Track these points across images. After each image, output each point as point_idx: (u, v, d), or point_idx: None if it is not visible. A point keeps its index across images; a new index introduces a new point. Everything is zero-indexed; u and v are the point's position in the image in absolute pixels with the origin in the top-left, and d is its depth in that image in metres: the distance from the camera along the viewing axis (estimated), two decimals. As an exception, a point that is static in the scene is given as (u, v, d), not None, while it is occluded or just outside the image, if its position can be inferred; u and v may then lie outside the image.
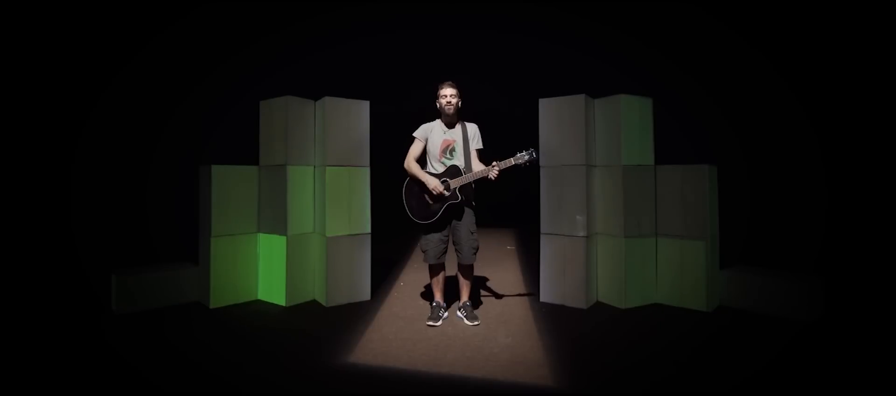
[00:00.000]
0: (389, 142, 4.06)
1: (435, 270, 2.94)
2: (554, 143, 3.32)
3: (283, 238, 3.26)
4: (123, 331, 2.74)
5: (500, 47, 5.66)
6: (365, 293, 3.40)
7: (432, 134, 2.88)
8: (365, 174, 3.41)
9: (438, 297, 2.98)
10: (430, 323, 2.83)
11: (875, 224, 3.21)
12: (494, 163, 2.67)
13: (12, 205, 3.34)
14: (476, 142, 2.91)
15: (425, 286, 3.66)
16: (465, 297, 2.98)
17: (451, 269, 3.01)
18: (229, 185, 3.29)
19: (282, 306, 3.24)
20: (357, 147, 3.38)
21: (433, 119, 2.93)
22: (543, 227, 3.36)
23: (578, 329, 2.78)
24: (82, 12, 3.57)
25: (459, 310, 2.97)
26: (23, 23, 3.37)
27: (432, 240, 2.83)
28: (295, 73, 4.89)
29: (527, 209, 5.21)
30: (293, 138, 3.28)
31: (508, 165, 2.68)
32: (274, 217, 3.34)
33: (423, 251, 2.88)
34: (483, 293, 3.58)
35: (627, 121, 3.18)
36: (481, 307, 3.23)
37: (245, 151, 3.55)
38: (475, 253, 2.85)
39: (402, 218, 2.89)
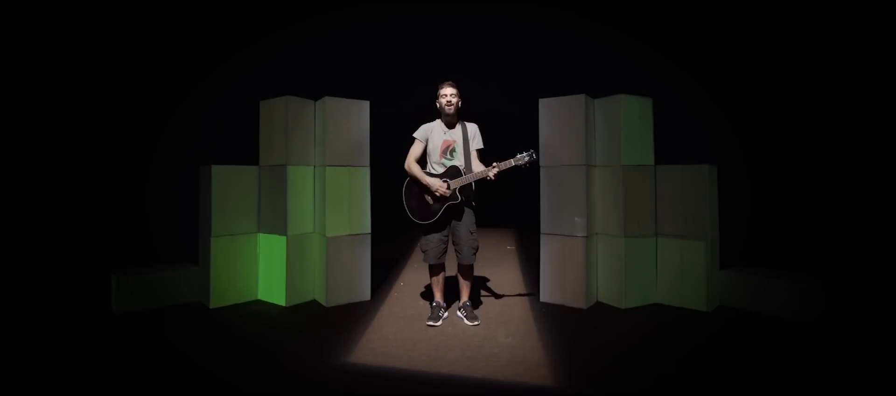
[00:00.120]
0: (389, 142, 4.07)
1: (435, 270, 2.94)
2: (554, 143, 3.32)
3: (283, 238, 3.26)
4: (123, 331, 2.74)
5: (500, 47, 5.65)
6: (365, 293, 3.40)
7: (433, 135, 2.88)
8: (365, 174, 3.41)
9: (438, 297, 2.98)
10: (430, 323, 2.83)
11: (875, 224, 3.21)
12: (494, 164, 2.67)
13: (13, 205, 3.34)
14: (476, 142, 2.91)
15: (425, 287, 3.66)
16: (465, 297, 2.98)
17: (451, 269, 3.01)
18: (229, 185, 3.29)
19: (282, 306, 3.25)
20: (357, 147, 3.38)
21: (433, 119, 2.93)
22: (543, 227, 3.36)
23: (578, 329, 2.78)
24: (82, 12, 3.58)
25: (459, 310, 2.97)
26: (23, 23, 3.37)
27: (432, 240, 2.84)
28: (295, 73, 4.89)
29: (527, 209, 5.20)
30: (293, 138, 3.28)
31: (508, 166, 2.68)
32: (274, 217, 3.34)
33: (423, 252, 2.88)
34: (483, 293, 3.58)
35: (627, 121, 3.18)
36: (481, 307, 3.23)
37: (245, 151, 3.55)
38: (475, 253, 2.85)
39: (402, 218, 2.89)
